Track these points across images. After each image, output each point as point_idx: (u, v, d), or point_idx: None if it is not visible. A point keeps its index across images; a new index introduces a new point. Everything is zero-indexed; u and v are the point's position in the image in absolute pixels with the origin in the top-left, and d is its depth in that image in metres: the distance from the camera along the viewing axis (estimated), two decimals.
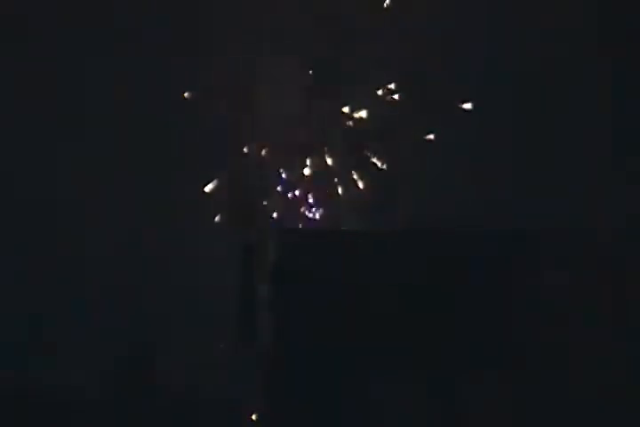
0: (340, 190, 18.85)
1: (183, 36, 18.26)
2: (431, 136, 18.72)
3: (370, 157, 18.94)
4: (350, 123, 18.85)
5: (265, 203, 18.32)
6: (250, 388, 17.05)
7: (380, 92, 18.88)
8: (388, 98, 18.89)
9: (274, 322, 16.53)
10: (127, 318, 17.55)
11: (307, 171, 18.81)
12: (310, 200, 18.71)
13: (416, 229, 17.54)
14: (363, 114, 18.78)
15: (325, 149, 18.92)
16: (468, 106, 18.69)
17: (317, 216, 18.53)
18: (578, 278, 16.42)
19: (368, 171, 18.83)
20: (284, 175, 18.71)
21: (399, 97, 18.82)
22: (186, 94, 18.42)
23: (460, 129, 18.46)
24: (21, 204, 18.05)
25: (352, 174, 18.94)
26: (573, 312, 16.35)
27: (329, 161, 18.84)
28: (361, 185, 19.01)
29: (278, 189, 18.62)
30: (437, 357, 16.36)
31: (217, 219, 18.41)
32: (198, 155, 18.23)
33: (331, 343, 16.34)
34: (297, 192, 18.76)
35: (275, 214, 18.39)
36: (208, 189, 18.18)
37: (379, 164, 18.86)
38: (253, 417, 17.38)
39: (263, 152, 18.74)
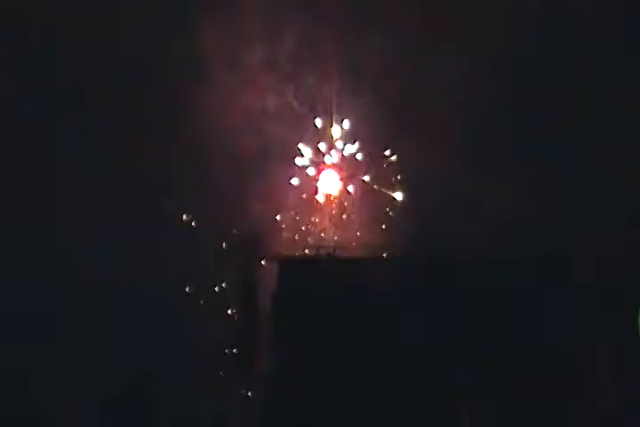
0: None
1: None
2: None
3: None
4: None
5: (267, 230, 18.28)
6: (249, 415, 17.06)
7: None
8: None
9: (274, 349, 16.64)
10: (126, 345, 17.51)
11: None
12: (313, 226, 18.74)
13: (413, 255, 17.70)
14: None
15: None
16: None
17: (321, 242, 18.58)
18: None
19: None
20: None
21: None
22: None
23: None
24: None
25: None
26: None
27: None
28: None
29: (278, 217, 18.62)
30: (439, 380, 16.48)
31: (222, 246, 18.34)
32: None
33: (331, 369, 16.42)
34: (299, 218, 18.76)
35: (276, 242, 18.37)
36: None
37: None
38: None
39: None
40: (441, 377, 16.43)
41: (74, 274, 17.73)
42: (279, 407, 16.51)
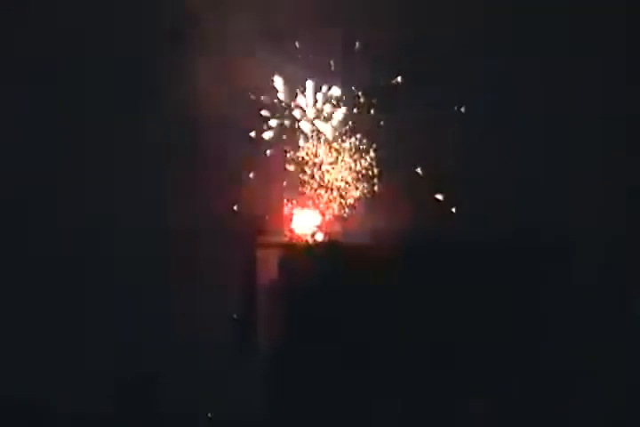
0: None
1: None
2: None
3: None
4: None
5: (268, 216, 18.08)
6: (252, 404, 17.06)
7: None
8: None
9: (274, 337, 16.61)
10: (126, 345, 17.51)
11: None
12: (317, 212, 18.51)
13: (415, 242, 17.60)
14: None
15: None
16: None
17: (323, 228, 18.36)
18: None
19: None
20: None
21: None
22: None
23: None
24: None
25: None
26: None
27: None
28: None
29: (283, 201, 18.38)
30: (440, 375, 16.52)
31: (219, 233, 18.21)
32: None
33: (333, 359, 16.42)
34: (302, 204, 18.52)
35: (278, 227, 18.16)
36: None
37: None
38: None
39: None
40: (442, 377, 16.50)
41: (74, 273, 17.76)
42: (279, 405, 16.55)
